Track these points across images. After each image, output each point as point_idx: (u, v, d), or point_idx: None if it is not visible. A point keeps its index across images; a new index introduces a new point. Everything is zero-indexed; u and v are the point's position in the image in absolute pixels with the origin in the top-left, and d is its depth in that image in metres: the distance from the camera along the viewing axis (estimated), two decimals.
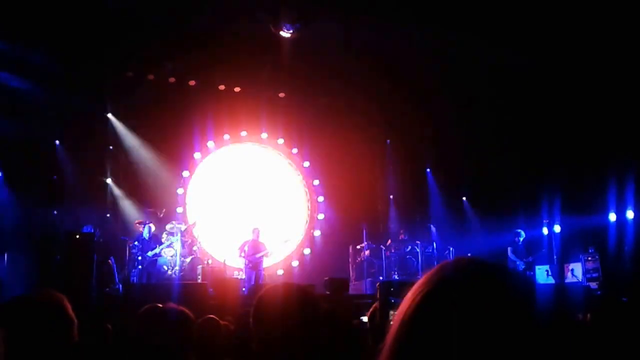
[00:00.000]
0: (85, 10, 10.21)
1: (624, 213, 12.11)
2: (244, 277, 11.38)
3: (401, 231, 13.88)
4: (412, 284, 0.91)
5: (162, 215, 11.67)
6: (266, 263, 12.10)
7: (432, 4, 10.32)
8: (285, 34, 10.35)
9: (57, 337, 2.07)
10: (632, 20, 9.82)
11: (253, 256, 11.36)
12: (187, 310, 2.78)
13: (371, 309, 3.69)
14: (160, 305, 2.89)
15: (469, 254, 14.26)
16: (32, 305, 2.09)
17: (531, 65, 11.99)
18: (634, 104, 11.14)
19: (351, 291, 11.34)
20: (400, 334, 0.82)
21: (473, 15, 10.42)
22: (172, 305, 2.82)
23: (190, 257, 11.40)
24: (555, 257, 12.54)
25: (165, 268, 10.95)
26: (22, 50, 10.46)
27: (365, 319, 5.73)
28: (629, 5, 9.59)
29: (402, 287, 0.95)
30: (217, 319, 3.73)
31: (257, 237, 11.74)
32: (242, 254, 11.47)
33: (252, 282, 11.12)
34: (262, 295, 2.02)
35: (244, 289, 10.78)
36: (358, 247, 12.68)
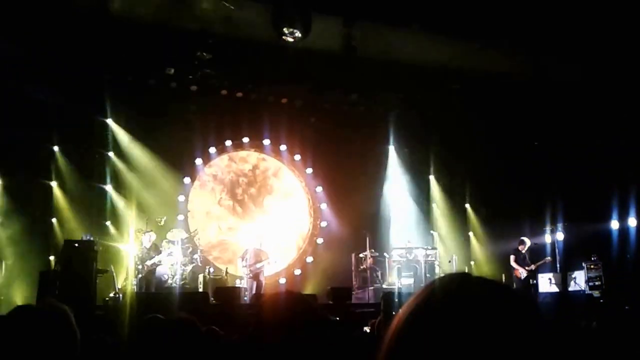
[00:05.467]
0: (85, 14, 10.17)
1: (626, 221, 12.08)
2: (245, 285, 11.29)
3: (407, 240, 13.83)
4: None
5: (162, 223, 11.59)
6: (268, 271, 11.99)
7: (435, 13, 10.31)
8: (288, 39, 10.31)
9: (60, 349, 2.02)
10: (632, 21, 9.81)
11: (254, 265, 11.27)
12: (194, 319, 2.69)
13: (376, 321, 3.65)
14: (161, 316, 2.83)
15: (472, 262, 14.24)
16: (35, 317, 2.03)
17: (535, 73, 11.97)
18: (637, 112, 11.12)
19: (354, 300, 11.26)
20: (390, 347, 0.84)
21: (479, 23, 10.40)
22: (179, 314, 2.76)
23: (192, 266, 11.32)
24: (558, 265, 12.49)
25: (166, 277, 10.86)
26: (21, 55, 10.39)
27: (367, 329, 5.67)
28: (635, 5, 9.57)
29: (405, 298, 0.95)
30: (217, 329, 3.66)
31: (259, 245, 11.66)
32: (244, 263, 11.39)
33: (254, 291, 11.03)
34: (264, 303, 1.97)
35: (245, 298, 10.70)
36: (361, 255, 12.57)
